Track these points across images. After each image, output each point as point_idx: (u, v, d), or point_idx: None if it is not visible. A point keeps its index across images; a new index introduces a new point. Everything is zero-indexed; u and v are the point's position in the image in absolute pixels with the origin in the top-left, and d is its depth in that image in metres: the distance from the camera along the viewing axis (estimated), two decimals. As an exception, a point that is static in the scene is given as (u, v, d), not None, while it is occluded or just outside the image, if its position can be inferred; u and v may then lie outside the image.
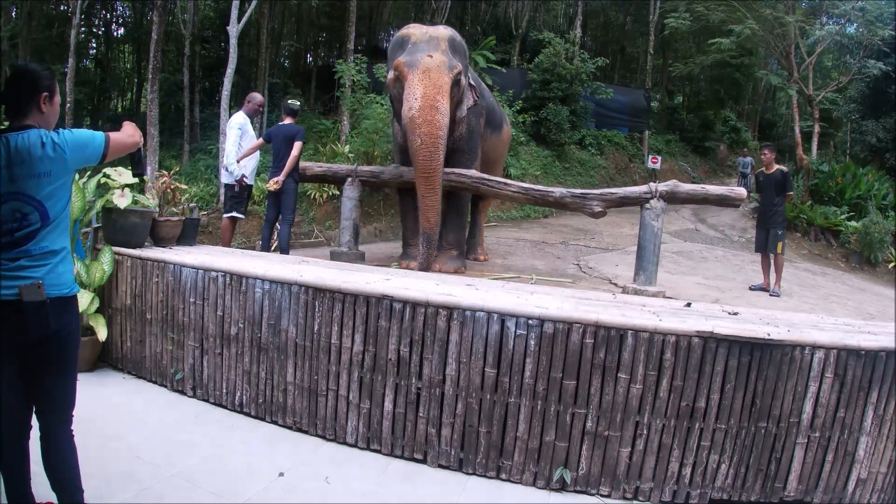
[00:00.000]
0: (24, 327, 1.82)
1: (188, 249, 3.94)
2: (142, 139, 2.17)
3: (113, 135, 2.02)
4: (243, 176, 5.34)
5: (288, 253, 5.13)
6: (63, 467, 1.94)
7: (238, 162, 5.28)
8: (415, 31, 5.20)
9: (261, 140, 5.46)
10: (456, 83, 4.87)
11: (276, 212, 5.41)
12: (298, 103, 5.63)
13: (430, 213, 4.87)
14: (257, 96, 5.75)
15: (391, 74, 5.13)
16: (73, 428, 2.00)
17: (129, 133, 2.09)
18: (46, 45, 15.15)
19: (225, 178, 5.60)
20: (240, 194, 5.44)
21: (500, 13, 18.36)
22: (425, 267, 4.95)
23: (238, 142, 5.30)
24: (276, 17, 16.56)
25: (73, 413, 2.00)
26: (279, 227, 5.42)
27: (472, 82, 5.37)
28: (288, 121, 5.33)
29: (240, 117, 5.39)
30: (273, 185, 5.17)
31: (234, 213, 5.49)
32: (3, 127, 1.88)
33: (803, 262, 9.15)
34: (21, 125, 1.84)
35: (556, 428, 2.65)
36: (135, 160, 2.23)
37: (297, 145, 5.17)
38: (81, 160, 1.94)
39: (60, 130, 1.88)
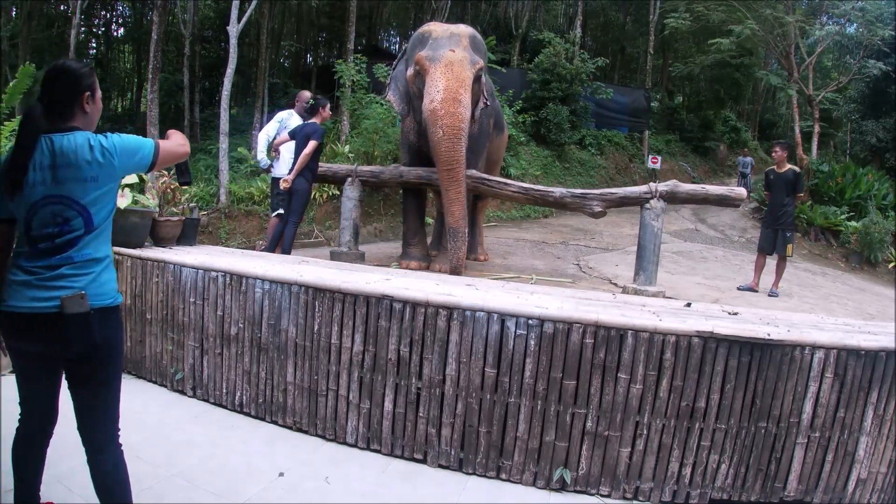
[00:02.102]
0: (66, 341, 1.72)
1: (188, 249, 3.94)
2: (189, 149, 2.08)
3: (162, 143, 1.92)
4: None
5: (289, 253, 5.10)
6: (117, 489, 1.84)
7: (274, 153, 5.23)
8: (436, 27, 5.20)
9: (286, 135, 5.38)
10: (477, 79, 4.86)
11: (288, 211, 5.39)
12: (313, 98, 5.55)
13: (456, 206, 4.74)
14: (305, 94, 5.71)
15: (411, 70, 5.10)
16: (121, 442, 1.90)
17: (178, 142, 1.99)
18: (46, 45, 15.15)
19: (274, 173, 5.48)
20: (286, 191, 5.27)
21: (500, 13, 18.35)
22: (456, 267, 4.75)
23: (273, 134, 5.28)
24: (276, 17, 16.57)
25: (120, 428, 1.90)
26: (285, 227, 5.39)
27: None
28: (312, 119, 5.28)
29: (285, 112, 5.40)
30: (283, 183, 5.11)
31: (281, 211, 5.35)
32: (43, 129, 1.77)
33: (803, 262, 9.15)
34: (66, 127, 1.75)
35: (556, 428, 2.65)
36: (181, 169, 2.15)
37: (311, 144, 5.06)
38: (130, 167, 1.83)
39: (108, 134, 1.78)
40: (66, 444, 2.56)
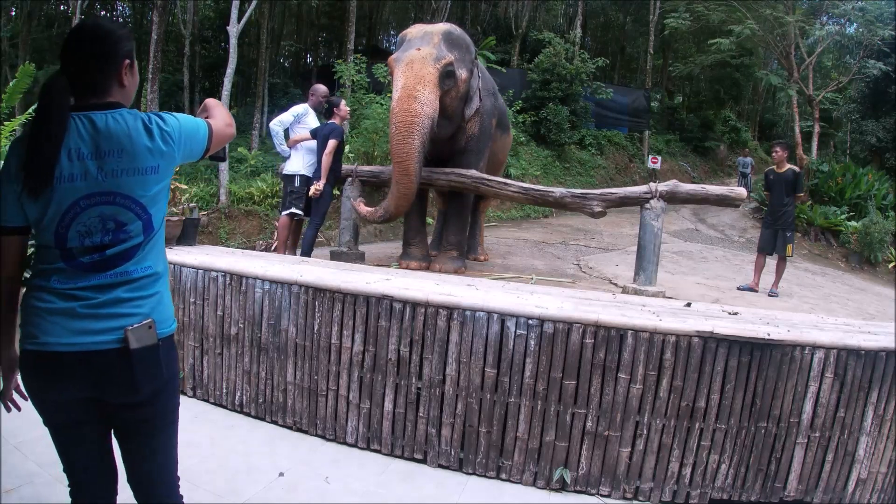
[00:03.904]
0: (132, 384, 1.34)
1: (188, 249, 3.94)
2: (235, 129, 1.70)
3: (213, 125, 1.53)
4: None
5: (309, 255, 5.04)
6: None
7: (290, 147, 5.17)
8: (414, 29, 5.21)
9: (306, 133, 5.27)
10: (448, 75, 4.82)
11: None
12: (327, 99, 5.47)
13: (402, 200, 4.76)
14: (320, 87, 5.63)
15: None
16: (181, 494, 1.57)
17: (226, 122, 1.58)
18: (46, 45, 15.16)
19: (285, 171, 5.42)
20: (299, 189, 5.20)
21: (500, 13, 18.38)
22: (367, 216, 4.90)
23: (287, 124, 5.21)
24: (276, 17, 16.57)
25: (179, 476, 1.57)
26: (305, 229, 5.33)
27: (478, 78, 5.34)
28: (331, 119, 5.21)
29: (300, 107, 5.34)
30: (314, 191, 5.03)
31: (293, 210, 5.22)
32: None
33: (803, 262, 9.15)
34: (103, 103, 1.34)
35: (556, 428, 2.65)
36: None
37: (330, 143, 4.98)
38: (186, 155, 1.44)
39: (162, 114, 1.40)
40: (66, 444, 2.57)
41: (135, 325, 1.33)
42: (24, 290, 1.41)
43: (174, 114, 1.43)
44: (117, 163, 1.30)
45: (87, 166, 1.28)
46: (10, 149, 1.32)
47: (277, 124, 5.29)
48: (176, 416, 1.51)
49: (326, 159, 5.00)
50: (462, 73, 4.96)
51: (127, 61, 1.38)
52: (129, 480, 1.50)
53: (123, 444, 1.48)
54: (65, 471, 1.47)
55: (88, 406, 1.38)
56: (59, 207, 1.28)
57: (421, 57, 4.74)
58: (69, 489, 1.48)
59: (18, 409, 1.46)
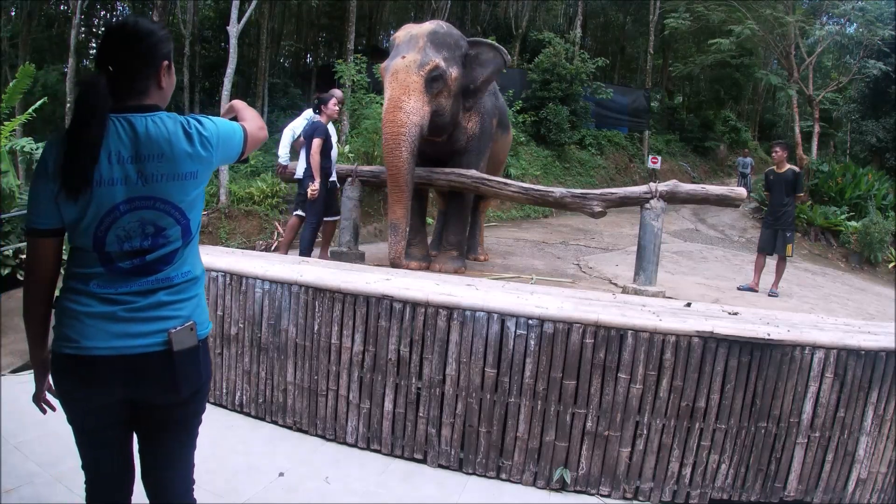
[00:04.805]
0: (175, 384, 1.35)
1: (188, 249, 3.94)
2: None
3: (248, 127, 1.52)
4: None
5: (308, 255, 5.04)
6: None
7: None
8: (401, 32, 5.21)
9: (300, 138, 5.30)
10: (434, 79, 4.82)
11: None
12: (316, 97, 5.45)
13: (396, 207, 4.90)
14: (336, 92, 5.62)
15: None
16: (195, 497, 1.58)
17: (259, 125, 1.57)
18: (46, 45, 15.16)
19: (297, 174, 5.44)
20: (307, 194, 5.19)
21: (500, 13, 18.37)
22: (394, 259, 4.90)
23: (298, 132, 5.24)
24: (276, 17, 16.57)
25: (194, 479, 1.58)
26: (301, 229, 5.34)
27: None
28: (319, 118, 5.19)
29: (309, 112, 5.37)
30: (311, 193, 5.03)
31: (299, 212, 5.27)
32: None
33: (803, 262, 9.15)
34: (141, 105, 1.32)
35: (556, 428, 2.65)
36: None
37: (315, 143, 4.99)
38: (222, 160, 1.44)
39: (200, 118, 1.38)
40: (65, 444, 2.57)
41: (178, 328, 1.34)
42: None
43: (211, 117, 1.43)
44: (157, 167, 1.29)
45: (127, 170, 1.27)
46: (47, 148, 1.29)
47: (289, 132, 5.31)
48: (201, 418, 1.54)
49: (314, 158, 5.00)
50: (451, 72, 4.94)
51: (165, 62, 1.36)
52: (145, 479, 1.50)
53: (148, 444, 1.48)
54: (85, 469, 1.47)
55: (121, 408, 1.38)
56: (97, 211, 1.27)
57: (405, 66, 4.79)
58: (86, 486, 1.48)
59: (53, 409, 1.45)
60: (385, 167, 4.91)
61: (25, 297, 1.35)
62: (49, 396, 1.45)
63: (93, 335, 1.29)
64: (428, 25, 5.16)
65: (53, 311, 1.36)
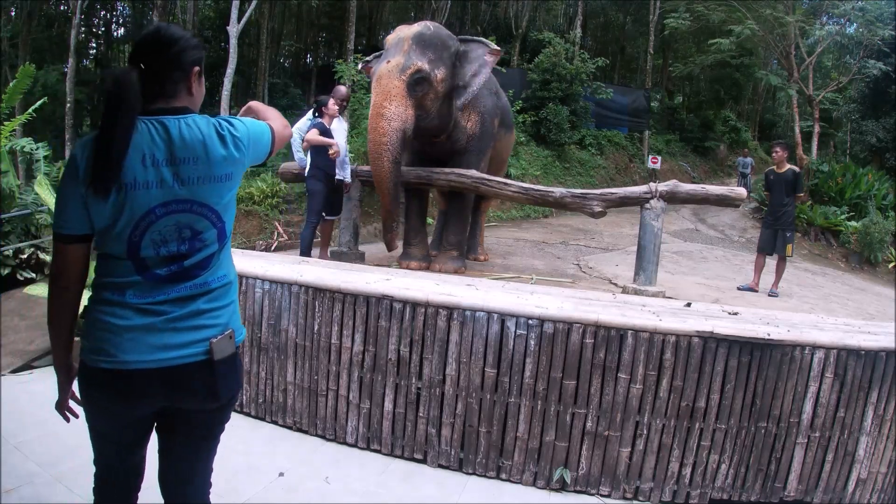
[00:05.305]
0: (215, 393, 1.34)
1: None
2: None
3: (274, 127, 1.50)
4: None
5: (308, 255, 5.04)
6: None
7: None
8: (391, 36, 5.23)
9: (315, 132, 5.23)
10: (416, 82, 4.83)
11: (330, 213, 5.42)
12: (314, 100, 5.45)
13: (383, 210, 5.21)
14: (341, 88, 5.61)
15: None
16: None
17: (283, 123, 1.55)
18: (46, 45, 15.18)
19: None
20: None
21: (500, 13, 18.38)
22: (389, 243, 5.37)
23: (304, 130, 5.22)
24: (276, 17, 16.59)
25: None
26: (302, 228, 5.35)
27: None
28: (320, 120, 5.21)
29: (309, 115, 5.38)
30: (332, 153, 5.04)
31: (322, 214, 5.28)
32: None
33: (803, 262, 9.15)
34: (172, 108, 1.31)
35: (556, 428, 2.65)
36: None
37: (311, 132, 4.98)
38: (252, 161, 1.43)
39: (231, 120, 1.38)
40: (65, 444, 2.57)
41: (219, 337, 1.33)
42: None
43: (240, 118, 1.42)
44: (193, 170, 1.27)
45: (163, 173, 1.24)
46: (77, 150, 1.25)
47: (297, 132, 5.31)
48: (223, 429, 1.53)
49: (312, 137, 4.95)
50: (438, 74, 4.93)
51: (196, 69, 1.36)
52: (164, 479, 1.49)
53: (172, 447, 1.47)
54: (98, 472, 1.45)
55: (153, 416, 1.38)
56: (132, 215, 1.24)
57: (387, 71, 4.83)
58: (95, 486, 1.47)
59: (76, 416, 1.42)
60: (372, 171, 5.04)
61: (51, 305, 1.31)
62: (72, 404, 1.42)
63: (132, 349, 1.26)
64: (415, 27, 5.18)
65: (82, 320, 1.33)
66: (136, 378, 1.27)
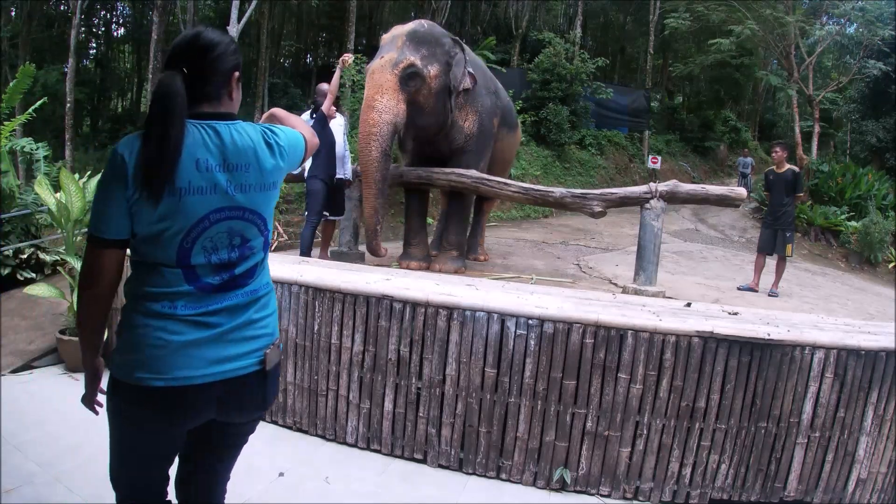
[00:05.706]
0: (264, 401, 1.35)
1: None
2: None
3: (305, 134, 1.49)
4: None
5: (308, 255, 5.03)
6: None
7: None
8: (387, 35, 5.24)
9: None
10: (409, 77, 4.84)
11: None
12: (312, 101, 5.46)
13: (366, 204, 5.08)
14: (322, 86, 5.60)
15: None
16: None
17: (310, 131, 1.53)
18: (46, 45, 15.18)
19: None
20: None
21: (500, 13, 18.37)
22: (374, 250, 5.14)
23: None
24: (276, 17, 16.59)
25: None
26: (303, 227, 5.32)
27: (469, 70, 5.28)
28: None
29: (307, 113, 5.36)
30: (343, 60, 5.15)
31: (325, 213, 5.23)
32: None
33: (803, 262, 9.15)
34: (218, 112, 1.29)
35: (556, 428, 2.65)
36: None
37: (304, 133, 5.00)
38: (289, 168, 1.42)
39: (273, 128, 1.37)
40: (65, 444, 2.57)
41: (271, 347, 1.33)
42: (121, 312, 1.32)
43: (279, 126, 1.41)
44: (246, 177, 1.26)
45: (217, 179, 1.22)
46: (122, 150, 1.18)
47: None
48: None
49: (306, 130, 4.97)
50: (431, 70, 4.95)
51: (236, 73, 1.34)
52: (184, 483, 1.46)
53: (204, 457, 1.44)
54: (123, 487, 1.38)
55: (186, 430, 1.34)
56: (186, 221, 1.20)
57: (380, 65, 4.86)
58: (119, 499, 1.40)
59: (101, 406, 1.37)
60: (359, 163, 5.03)
61: (81, 309, 1.27)
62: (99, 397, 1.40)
63: (185, 364, 1.22)
64: (410, 25, 5.21)
65: (119, 335, 1.28)
66: (189, 393, 1.23)
